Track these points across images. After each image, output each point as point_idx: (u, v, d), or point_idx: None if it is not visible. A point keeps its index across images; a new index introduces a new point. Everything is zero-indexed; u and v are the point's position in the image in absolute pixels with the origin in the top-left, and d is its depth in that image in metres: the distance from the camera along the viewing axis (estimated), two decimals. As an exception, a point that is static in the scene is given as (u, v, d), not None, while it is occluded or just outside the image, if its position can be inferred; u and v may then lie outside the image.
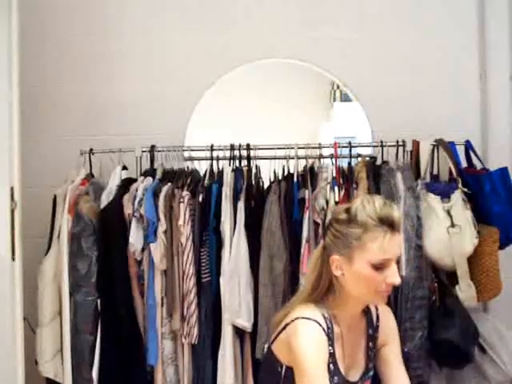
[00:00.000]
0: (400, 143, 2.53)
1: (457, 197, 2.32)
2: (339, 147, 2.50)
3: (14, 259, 2.08)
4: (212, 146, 2.57)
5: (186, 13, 2.94)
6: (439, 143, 2.47)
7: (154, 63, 2.93)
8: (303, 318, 1.60)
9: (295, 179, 2.43)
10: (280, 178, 2.50)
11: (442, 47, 2.93)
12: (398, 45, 2.93)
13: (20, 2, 2.12)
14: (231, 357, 2.31)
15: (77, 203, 2.42)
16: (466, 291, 2.27)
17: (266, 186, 2.51)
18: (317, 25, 2.93)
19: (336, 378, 1.61)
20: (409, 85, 2.91)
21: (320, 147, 2.59)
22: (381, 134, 2.74)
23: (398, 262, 2.22)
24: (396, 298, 2.25)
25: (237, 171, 2.47)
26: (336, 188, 2.36)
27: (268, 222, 2.34)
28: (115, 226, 2.38)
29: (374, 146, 2.66)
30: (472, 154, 2.54)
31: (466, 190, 2.34)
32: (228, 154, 2.55)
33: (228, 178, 2.43)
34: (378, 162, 2.51)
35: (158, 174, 2.52)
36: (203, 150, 2.59)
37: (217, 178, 2.48)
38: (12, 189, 2.08)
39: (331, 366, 1.60)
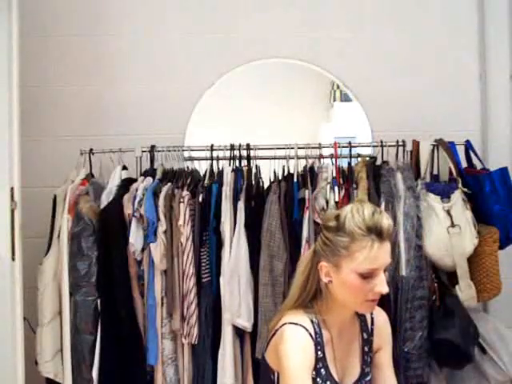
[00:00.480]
0: (400, 143, 2.53)
1: (457, 197, 2.32)
2: (339, 147, 2.50)
3: (13, 259, 2.09)
4: (212, 145, 2.57)
5: (186, 13, 2.94)
6: (439, 143, 2.47)
7: (153, 63, 2.94)
8: (290, 323, 1.59)
9: (295, 179, 2.42)
10: (280, 177, 2.50)
11: (442, 47, 2.94)
12: (398, 45, 2.93)
13: (20, 3, 2.12)
14: (231, 357, 2.31)
15: (77, 203, 2.42)
16: (465, 291, 2.27)
17: (266, 186, 2.50)
18: (317, 25, 2.94)
19: (328, 382, 1.59)
20: (409, 85, 2.91)
21: (320, 147, 2.58)
22: (381, 134, 2.75)
23: (398, 263, 2.27)
24: (396, 298, 2.24)
25: (237, 171, 2.47)
26: (336, 188, 2.36)
27: (268, 222, 2.34)
28: (115, 226, 2.37)
29: (374, 146, 2.66)
30: (472, 154, 2.54)
31: (465, 189, 2.34)
32: (228, 154, 2.55)
33: (228, 177, 2.43)
34: (378, 162, 2.51)
35: (158, 174, 2.52)
36: (203, 150, 2.59)
37: (217, 178, 2.48)
38: (12, 189, 2.08)
39: (322, 370, 1.59)
